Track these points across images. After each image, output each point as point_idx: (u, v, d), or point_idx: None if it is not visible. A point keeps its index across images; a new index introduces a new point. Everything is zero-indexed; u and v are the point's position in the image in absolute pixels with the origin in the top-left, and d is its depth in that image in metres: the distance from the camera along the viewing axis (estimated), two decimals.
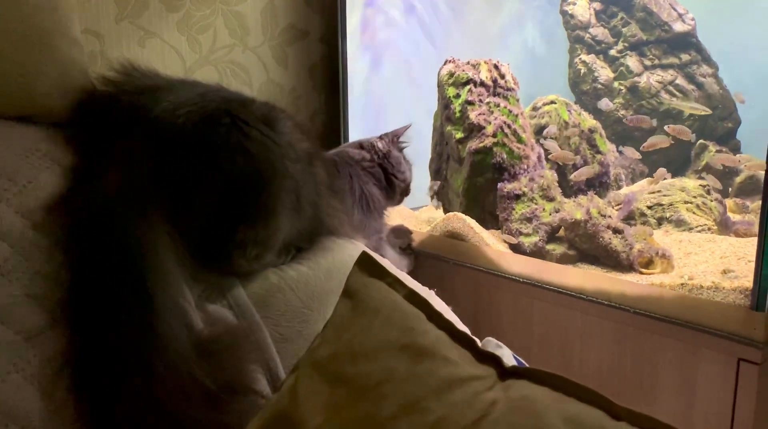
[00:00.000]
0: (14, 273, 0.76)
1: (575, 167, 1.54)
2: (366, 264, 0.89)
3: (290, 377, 0.80)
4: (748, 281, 1.04)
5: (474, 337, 0.77)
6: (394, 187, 1.33)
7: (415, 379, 0.72)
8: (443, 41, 1.95)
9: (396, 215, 1.67)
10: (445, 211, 1.56)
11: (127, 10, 1.36)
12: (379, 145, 1.34)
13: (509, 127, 1.40)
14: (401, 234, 1.44)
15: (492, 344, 0.90)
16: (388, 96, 1.81)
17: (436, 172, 1.59)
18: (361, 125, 1.72)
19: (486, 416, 0.66)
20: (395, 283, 0.86)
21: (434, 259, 1.43)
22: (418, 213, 1.70)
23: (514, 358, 0.88)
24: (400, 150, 1.37)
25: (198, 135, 0.85)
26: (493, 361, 0.75)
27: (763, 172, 1.00)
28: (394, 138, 1.38)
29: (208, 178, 0.85)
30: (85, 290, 0.75)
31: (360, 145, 1.36)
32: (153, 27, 1.41)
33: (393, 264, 1.36)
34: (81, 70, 0.97)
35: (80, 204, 0.80)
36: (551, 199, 1.36)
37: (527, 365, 0.89)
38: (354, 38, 1.68)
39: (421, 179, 1.70)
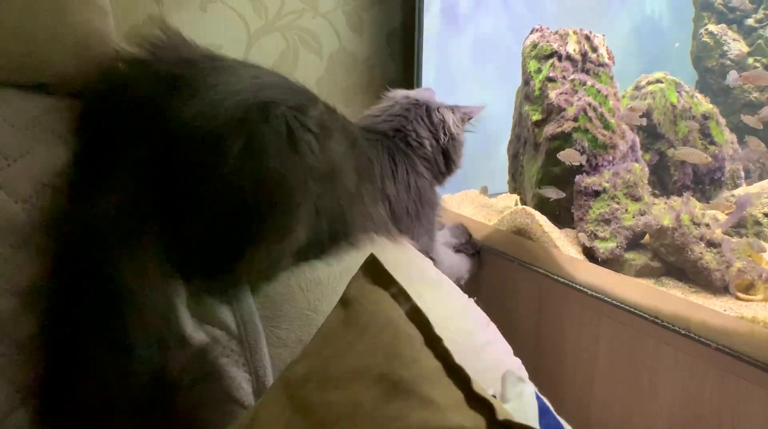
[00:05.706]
0: None
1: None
2: (371, 269, 0.78)
3: (263, 395, 0.72)
4: None
5: (470, 375, 0.63)
6: (443, 175, 1.14)
7: (379, 421, 0.60)
8: (546, 8, 1.74)
9: (468, 203, 1.52)
10: (522, 202, 1.39)
11: None
12: (450, 122, 1.12)
13: (595, 110, 1.19)
14: (457, 232, 1.28)
15: (512, 378, 0.75)
16: (467, 68, 1.64)
17: (514, 157, 1.41)
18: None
19: None
20: (400, 294, 0.74)
21: (497, 257, 1.27)
22: (495, 201, 1.53)
23: (537, 398, 0.73)
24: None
25: (204, 159, 0.77)
26: (486, 408, 0.61)
27: None
28: (465, 117, 1.16)
29: (211, 205, 0.77)
30: (59, 318, 0.72)
31: (428, 117, 1.12)
32: None
33: (449, 268, 1.21)
34: (101, 37, 0.91)
35: (72, 227, 0.75)
36: (637, 199, 1.15)
37: (551, 407, 0.74)
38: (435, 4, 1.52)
39: (499, 163, 1.53)
